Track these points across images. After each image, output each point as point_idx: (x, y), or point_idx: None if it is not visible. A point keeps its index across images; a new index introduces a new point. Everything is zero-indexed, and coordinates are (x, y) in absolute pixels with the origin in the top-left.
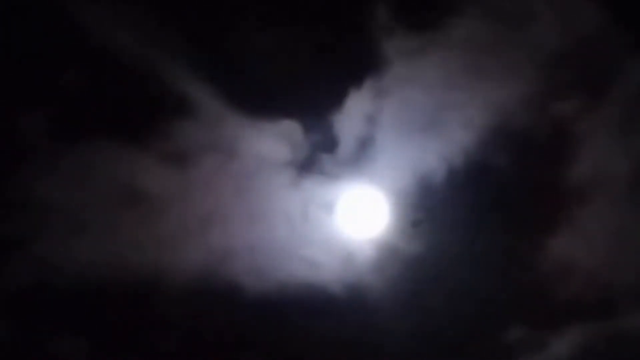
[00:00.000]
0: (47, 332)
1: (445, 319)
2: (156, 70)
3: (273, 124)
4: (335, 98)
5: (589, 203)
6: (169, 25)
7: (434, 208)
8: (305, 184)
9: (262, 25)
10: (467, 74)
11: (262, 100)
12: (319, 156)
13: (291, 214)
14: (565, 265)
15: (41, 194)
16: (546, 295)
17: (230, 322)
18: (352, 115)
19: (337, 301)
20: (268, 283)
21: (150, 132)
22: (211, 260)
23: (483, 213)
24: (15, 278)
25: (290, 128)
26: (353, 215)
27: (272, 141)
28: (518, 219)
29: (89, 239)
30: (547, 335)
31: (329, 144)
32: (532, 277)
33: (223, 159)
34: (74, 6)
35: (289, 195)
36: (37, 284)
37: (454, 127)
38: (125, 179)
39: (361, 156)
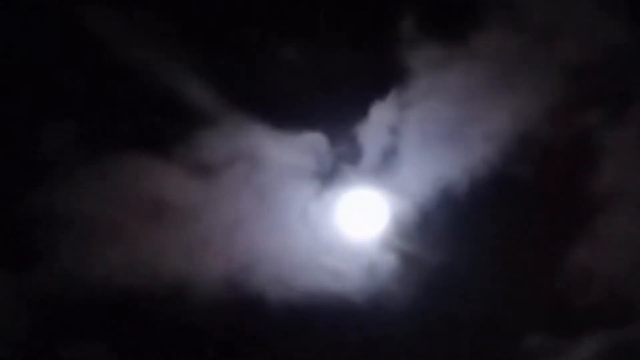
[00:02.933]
0: (72, 343)
1: (466, 326)
2: (180, 82)
3: (297, 136)
4: (359, 109)
5: (610, 213)
6: (193, 37)
7: (456, 218)
8: (329, 195)
9: (287, 37)
10: (490, 86)
11: (286, 111)
12: (343, 167)
13: (315, 224)
14: (585, 274)
15: (64, 205)
16: (566, 303)
17: (253, 330)
18: (376, 127)
19: (360, 310)
20: (291, 292)
21: (175, 144)
22: (235, 270)
23: (505, 223)
24: (40, 289)
25: (315, 140)
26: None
27: (296, 153)
28: (539, 229)
29: (113, 250)
30: (567, 342)
31: (353, 155)
32: (553, 285)
33: (248, 170)
34: (98, 21)
35: (313, 205)
36: (62, 295)
37: (477, 139)
38: (150, 191)
39: (385, 167)
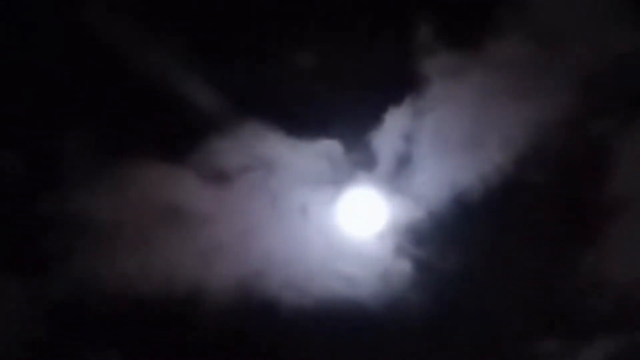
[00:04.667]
0: (85, 348)
1: (481, 331)
2: (196, 89)
3: (312, 142)
4: (374, 116)
5: (623, 219)
6: (208, 45)
7: (470, 225)
8: (344, 201)
9: (302, 44)
10: (504, 93)
11: (301, 118)
12: (357, 173)
13: (328, 230)
14: (598, 279)
15: (80, 210)
16: (579, 307)
17: (266, 336)
18: (391, 134)
19: (373, 316)
20: (305, 298)
21: (190, 151)
22: (249, 276)
23: (518, 229)
24: (54, 293)
25: (330, 146)
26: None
27: (311, 159)
28: (552, 235)
29: (127, 256)
30: (580, 346)
31: (368, 162)
32: (567, 290)
33: (262, 176)
34: (117, 31)
35: (328, 212)
36: (76, 300)
37: (491, 146)
38: (165, 197)
39: (399, 174)
